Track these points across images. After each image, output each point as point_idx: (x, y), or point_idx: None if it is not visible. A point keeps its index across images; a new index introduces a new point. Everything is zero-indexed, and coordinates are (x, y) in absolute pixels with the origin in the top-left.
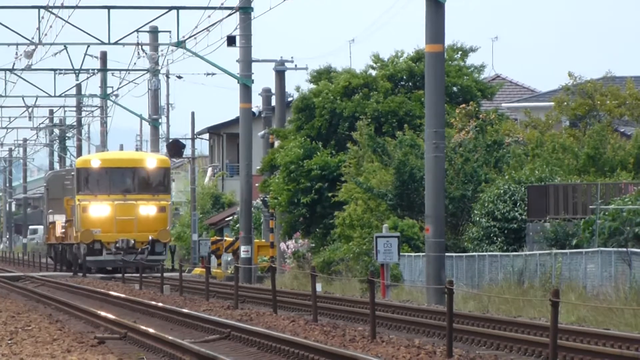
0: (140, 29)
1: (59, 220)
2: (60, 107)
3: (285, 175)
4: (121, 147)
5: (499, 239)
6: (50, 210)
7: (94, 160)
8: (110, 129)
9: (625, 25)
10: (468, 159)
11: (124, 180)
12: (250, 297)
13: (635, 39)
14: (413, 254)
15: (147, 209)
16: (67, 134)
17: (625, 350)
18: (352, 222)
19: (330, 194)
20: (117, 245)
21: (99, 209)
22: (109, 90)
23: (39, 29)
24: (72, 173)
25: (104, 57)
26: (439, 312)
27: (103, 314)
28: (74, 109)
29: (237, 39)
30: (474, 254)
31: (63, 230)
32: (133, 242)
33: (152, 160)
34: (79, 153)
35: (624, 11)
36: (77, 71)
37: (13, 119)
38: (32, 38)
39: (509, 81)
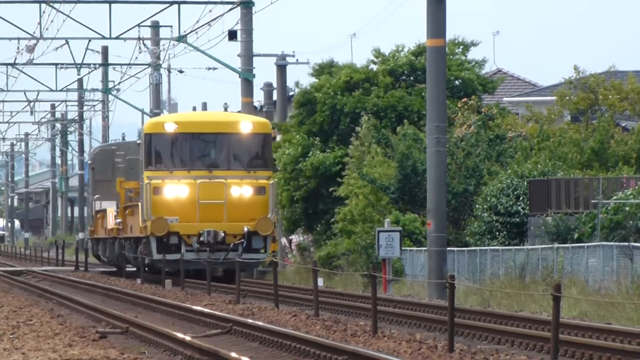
0: (141, 24)
1: (110, 208)
2: (62, 101)
3: (283, 177)
4: (123, 138)
5: (501, 234)
6: (96, 196)
7: (169, 123)
8: (112, 124)
9: (628, 19)
10: (470, 153)
11: (209, 150)
12: (251, 291)
13: (638, 33)
14: (415, 248)
15: (242, 189)
16: (69, 129)
17: (627, 344)
18: (353, 218)
19: (331, 189)
20: (201, 239)
21: (175, 190)
22: (110, 85)
23: (40, 23)
24: (127, 147)
25: (105, 51)
26: (440, 307)
27: (104, 308)
28: (76, 103)
29: (239, 33)
30: (475, 248)
31: (119, 220)
32: (222, 234)
33: (247, 124)
34: (81, 147)
35: (626, 5)
36: (78, 66)
37: (15, 113)
38: (34, 32)
39: (510, 75)
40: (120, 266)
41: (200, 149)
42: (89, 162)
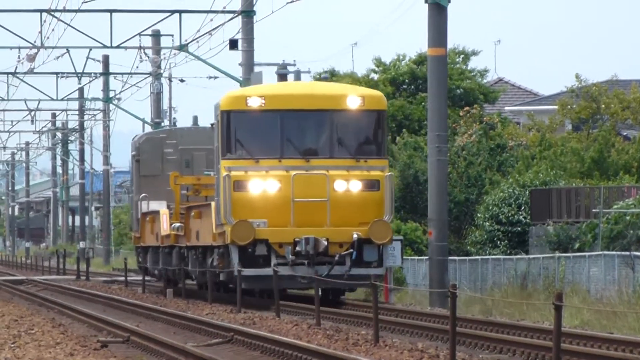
0: (142, 33)
1: (164, 209)
2: (63, 110)
3: None
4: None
5: (503, 243)
6: (142, 195)
7: (253, 98)
8: (113, 133)
9: (631, 28)
10: (471, 163)
11: (307, 132)
12: (253, 300)
13: None
14: (416, 257)
15: (349, 184)
16: (70, 138)
17: (629, 353)
18: None
19: None
20: (297, 248)
21: (263, 185)
22: (111, 94)
23: (41, 32)
24: (179, 134)
25: (106, 60)
26: (442, 316)
27: (106, 317)
28: (77, 112)
29: (240, 42)
30: (477, 257)
31: (178, 224)
32: (325, 243)
33: (355, 99)
34: (82, 157)
35: (628, 14)
36: (79, 75)
37: (16, 122)
38: (35, 41)
39: (511, 84)
40: (175, 281)
41: (295, 131)
42: (133, 153)
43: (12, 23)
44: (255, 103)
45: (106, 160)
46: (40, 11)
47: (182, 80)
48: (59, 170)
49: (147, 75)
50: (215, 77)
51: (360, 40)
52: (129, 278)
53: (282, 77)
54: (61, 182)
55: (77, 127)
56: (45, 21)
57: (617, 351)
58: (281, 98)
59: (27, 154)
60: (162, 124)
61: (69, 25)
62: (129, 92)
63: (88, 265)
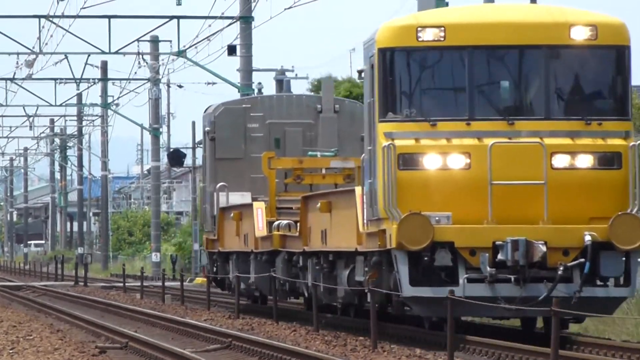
0: (140, 39)
1: (258, 203)
2: (61, 116)
3: None
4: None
5: None
6: (220, 184)
7: (428, 30)
8: (111, 139)
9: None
10: None
11: (508, 81)
12: (251, 306)
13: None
14: None
15: (575, 159)
16: (68, 144)
17: None
18: None
19: None
20: (499, 256)
21: (443, 160)
22: (109, 100)
23: (39, 38)
24: (266, 104)
25: (104, 66)
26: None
27: (104, 323)
28: (75, 118)
29: (238, 48)
30: None
31: (289, 222)
32: (542, 248)
33: (581, 30)
34: (80, 163)
35: (628, 16)
36: (77, 80)
37: (14, 128)
38: (33, 47)
39: None
40: (273, 299)
41: (492, 78)
42: (207, 129)
43: (11, 29)
44: (430, 36)
45: (104, 166)
46: (39, 17)
47: (180, 86)
48: (57, 176)
49: (146, 81)
50: (214, 83)
51: (359, 46)
52: (127, 284)
53: (280, 82)
54: (59, 188)
55: (76, 132)
56: (43, 27)
57: (615, 357)
58: (470, 28)
59: (26, 160)
60: (161, 130)
61: (67, 31)
62: (127, 98)
63: (86, 271)
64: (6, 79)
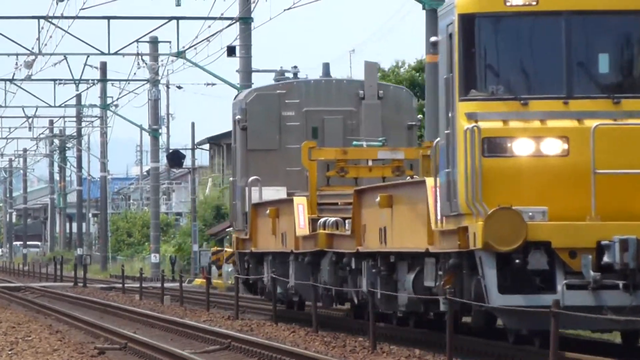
0: (140, 39)
1: (299, 198)
2: (60, 117)
3: None
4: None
5: None
6: (253, 178)
7: None
8: (110, 140)
9: None
10: None
11: (609, 53)
12: (250, 307)
13: None
14: None
15: None
16: (67, 145)
17: None
18: None
19: None
20: (606, 259)
21: (536, 146)
22: (108, 101)
23: (38, 39)
24: (302, 89)
25: (103, 67)
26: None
27: (103, 324)
28: (74, 119)
29: (237, 49)
30: None
31: (337, 219)
32: None
33: None
34: (79, 164)
35: None
36: (77, 81)
37: (13, 129)
38: (32, 48)
39: None
40: (300, 303)
41: (592, 50)
42: (237, 117)
43: (10, 30)
44: (521, 0)
45: (103, 167)
46: (38, 18)
47: (179, 87)
48: (57, 177)
49: (145, 82)
50: (213, 84)
51: (358, 47)
52: (126, 285)
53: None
54: (58, 189)
55: (75, 133)
56: (42, 28)
57: (614, 358)
58: None
59: (25, 161)
60: (160, 131)
61: (66, 32)
62: (126, 99)
63: (85, 272)
64: (5, 80)
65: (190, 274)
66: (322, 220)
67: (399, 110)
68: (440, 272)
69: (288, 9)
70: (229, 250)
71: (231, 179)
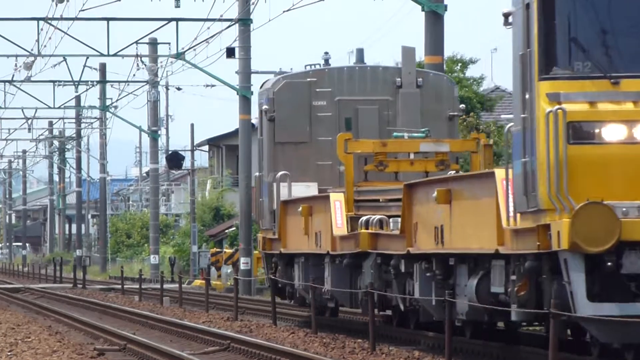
0: (139, 41)
1: (336, 194)
2: (60, 118)
3: None
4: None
5: None
6: (282, 173)
7: None
8: (110, 141)
9: None
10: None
11: None
12: (250, 308)
13: None
14: None
15: None
16: (67, 146)
17: None
18: None
19: None
20: None
21: (631, 131)
22: (108, 102)
23: (38, 40)
24: (335, 77)
25: (103, 68)
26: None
27: (102, 325)
28: (73, 120)
29: (237, 50)
30: None
31: (381, 217)
32: None
33: None
34: (78, 165)
35: None
36: (76, 83)
37: (12, 130)
38: (32, 50)
39: (508, 93)
40: (334, 309)
41: None
42: (264, 107)
43: (9, 31)
44: None
45: (103, 168)
46: (38, 19)
47: (179, 89)
48: (56, 178)
49: (144, 84)
50: (212, 86)
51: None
52: (125, 286)
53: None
54: (58, 190)
55: (74, 135)
56: (42, 29)
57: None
58: None
59: (24, 162)
60: (159, 132)
61: (66, 33)
62: (125, 100)
63: (85, 273)
64: (5, 81)
65: (189, 275)
66: (363, 218)
67: (439, 99)
68: (512, 277)
69: (287, 10)
70: (228, 251)
71: (257, 174)
